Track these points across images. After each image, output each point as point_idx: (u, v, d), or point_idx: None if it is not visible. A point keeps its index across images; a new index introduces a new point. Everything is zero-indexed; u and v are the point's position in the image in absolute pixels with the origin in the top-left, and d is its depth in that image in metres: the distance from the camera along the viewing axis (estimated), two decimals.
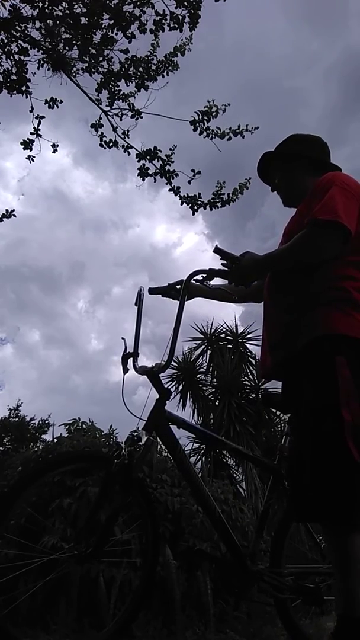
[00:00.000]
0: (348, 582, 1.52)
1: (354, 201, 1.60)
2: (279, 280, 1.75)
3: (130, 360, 1.79)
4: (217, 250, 1.69)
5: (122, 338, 1.81)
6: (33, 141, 5.57)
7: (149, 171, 5.63)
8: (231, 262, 1.67)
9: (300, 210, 1.73)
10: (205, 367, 9.24)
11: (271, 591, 1.90)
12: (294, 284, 1.67)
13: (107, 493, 1.67)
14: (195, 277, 1.76)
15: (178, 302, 1.82)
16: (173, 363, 9.07)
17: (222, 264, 1.72)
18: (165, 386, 1.78)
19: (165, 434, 1.77)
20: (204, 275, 1.74)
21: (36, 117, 5.53)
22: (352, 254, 1.61)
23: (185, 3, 4.98)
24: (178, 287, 1.94)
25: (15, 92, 5.25)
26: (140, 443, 1.66)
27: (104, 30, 5.08)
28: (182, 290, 1.79)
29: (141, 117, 5.66)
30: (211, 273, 1.73)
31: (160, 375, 1.78)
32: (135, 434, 1.70)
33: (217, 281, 1.81)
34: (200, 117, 5.34)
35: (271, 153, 1.92)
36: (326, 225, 1.52)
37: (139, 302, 1.88)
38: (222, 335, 9.45)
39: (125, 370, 1.78)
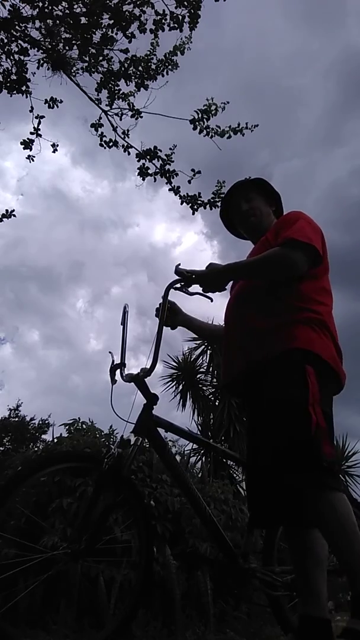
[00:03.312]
0: (310, 583, 1.62)
1: (318, 235, 1.81)
2: (256, 290, 1.84)
3: (117, 372, 1.87)
4: (177, 272, 1.84)
5: (110, 352, 1.91)
6: (33, 141, 5.57)
7: (149, 171, 5.63)
8: (189, 278, 1.84)
9: (263, 240, 1.89)
10: (205, 367, 9.23)
11: (264, 589, 1.93)
12: (271, 299, 1.78)
13: (99, 492, 1.74)
14: (174, 286, 1.89)
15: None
16: (173, 363, 9.10)
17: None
18: (153, 391, 1.85)
19: (153, 437, 1.85)
20: (182, 284, 1.88)
21: (36, 117, 5.54)
22: (322, 281, 1.81)
23: (185, 3, 4.98)
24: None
25: (15, 92, 5.25)
26: (130, 444, 1.75)
27: (104, 30, 5.08)
28: (163, 299, 1.91)
29: (141, 117, 5.67)
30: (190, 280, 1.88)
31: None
32: (126, 436, 1.78)
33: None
34: (200, 115, 5.33)
35: (261, 180, 2.09)
36: (301, 245, 1.71)
37: (124, 320, 1.97)
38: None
39: (114, 381, 1.86)
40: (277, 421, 1.57)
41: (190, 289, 1.89)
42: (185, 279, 1.84)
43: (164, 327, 1.91)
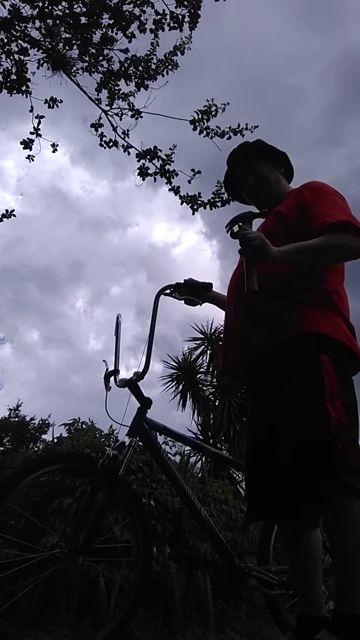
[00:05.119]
0: (307, 583, 1.60)
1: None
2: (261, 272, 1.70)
3: (112, 379, 1.91)
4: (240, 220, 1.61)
5: (104, 360, 1.97)
6: (33, 141, 5.58)
7: (149, 171, 5.63)
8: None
9: (277, 212, 1.72)
10: (205, 367, 9.24)
11: (261, 588, 1.94)
12: (277, 279, 1.64)
13: (96, 493, 1.77)
14: (164, 292, 1.96)
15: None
16: (173, 363, 9.11)
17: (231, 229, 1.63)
18: (152, 391, 1.89)
19: (147, 440, 1.87)
20: (172, 289, 1.96)
21: (36, 117, 5.54)
22: None
23: (185, 2, 4.98)
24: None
25: (15, 92, 5.25)
26: (125, 446, 1.79)
27: (104, 30, 5.08)
28: (154, 305, 1.95)
29: (141, 117, 5.67)
30: (178, 287, 1.95)
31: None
32: (121, 439, 1.84)
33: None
34: (200, 116, 5.34)
35: (259, 146, 1.88)
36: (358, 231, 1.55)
37: (117, 330, 2.02)
38: (222, 335, 9.44)
39: (108, 388, 1.90)
40: (295, 420, 1.48)
41: (179, 294, 1.96)
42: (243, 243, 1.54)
43: (159, 329, 1.98)
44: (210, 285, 1.91)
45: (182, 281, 1.97)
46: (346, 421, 1.45)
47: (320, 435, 1.42)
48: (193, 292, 1.98)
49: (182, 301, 1.99)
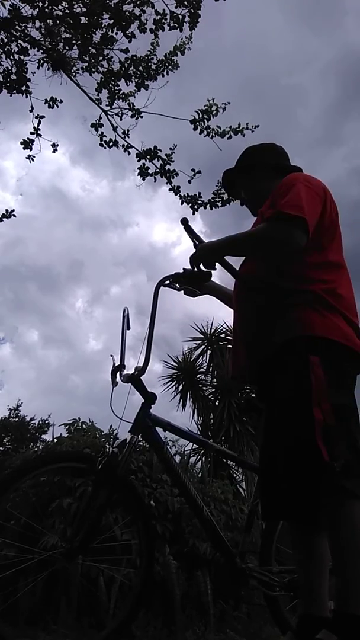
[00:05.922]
0: (312, 583, 1.59)
1: (317, 199, 1.61)
2: (252, 278, 1.76)
3: (117, 374, 1.89)
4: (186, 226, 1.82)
5: (111, 355, 1.94)
6: (33, 141, 5.58)
7: (149, 171, 5.64)
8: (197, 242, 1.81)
9: (262, 211, 1.74)
10: (205, 367, 9.23)
11: (261, 588, 1.93)
12: (267, 282, 1.68)
13: (97, 492, 1.75)
14: (164, 283, 1.93)
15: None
16: (173, 363, 9.11)
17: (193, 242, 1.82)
18: (150, 390, 1.85)
19: (151, 436, 1.85)
20: (172, 280, 1.93)
21: (36, 117, 5.54)
22: (319, 256, 1.63)
23: (185, 2, 4.98)
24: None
25: (15, 92, 5.25)
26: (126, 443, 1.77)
27: (104, 30, 5.08)
28: (154, 297, 1.92)
29: (141, 117, 5.67)
30: (177, 276, 1.93)
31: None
32: (124, 437, 1.81)
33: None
34: (201, 116, 5.33)
35: (230, 171, 1.99)
36: (290, 219, 1.52)
37: (123, 325, 2.00)
38: (222, 335, 9.45)
39: (115, 383, 1.88)
40: (282, 423, 1.52)
41: (178, 285, 1.95)
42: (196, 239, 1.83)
43: (157, 327, 1.92)
44: (209, 274, 1.90)
45: (181, 270, 1.95)
46: (333, 423, 1.44)
47: (304, 438, 1.44)
48: (192, 281, 1.96)
49: (182, 292, 1.97)
